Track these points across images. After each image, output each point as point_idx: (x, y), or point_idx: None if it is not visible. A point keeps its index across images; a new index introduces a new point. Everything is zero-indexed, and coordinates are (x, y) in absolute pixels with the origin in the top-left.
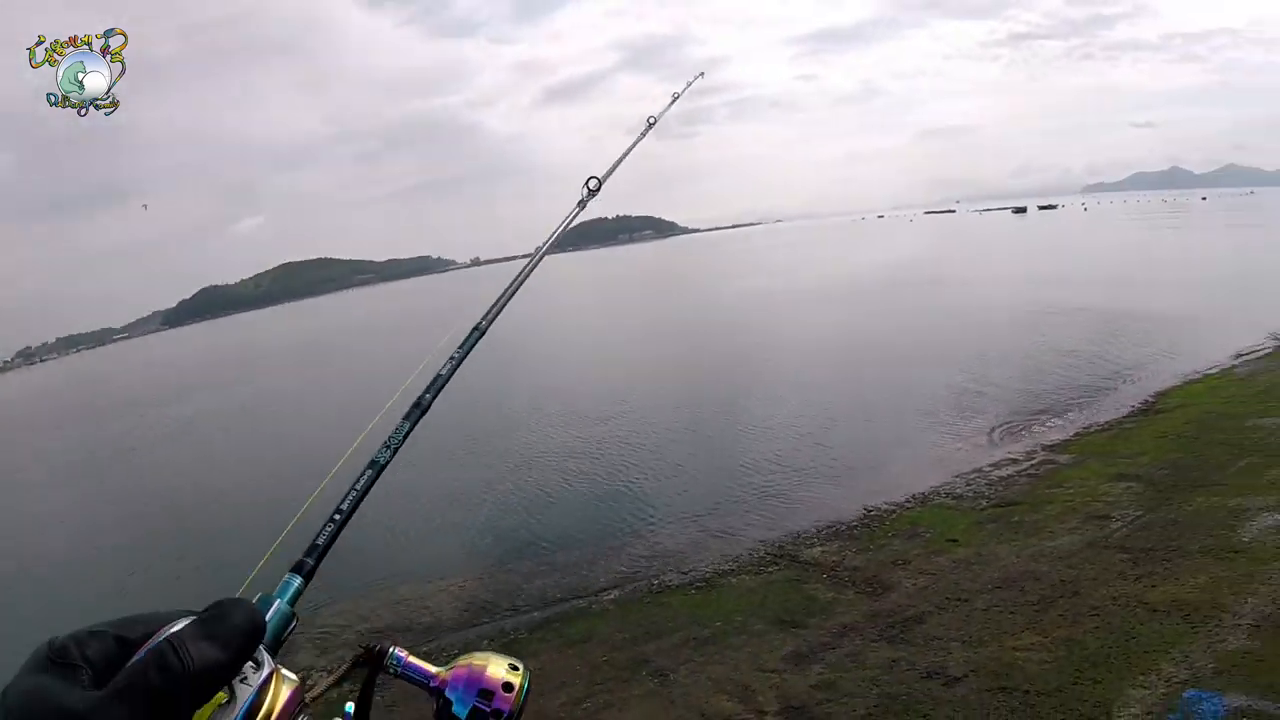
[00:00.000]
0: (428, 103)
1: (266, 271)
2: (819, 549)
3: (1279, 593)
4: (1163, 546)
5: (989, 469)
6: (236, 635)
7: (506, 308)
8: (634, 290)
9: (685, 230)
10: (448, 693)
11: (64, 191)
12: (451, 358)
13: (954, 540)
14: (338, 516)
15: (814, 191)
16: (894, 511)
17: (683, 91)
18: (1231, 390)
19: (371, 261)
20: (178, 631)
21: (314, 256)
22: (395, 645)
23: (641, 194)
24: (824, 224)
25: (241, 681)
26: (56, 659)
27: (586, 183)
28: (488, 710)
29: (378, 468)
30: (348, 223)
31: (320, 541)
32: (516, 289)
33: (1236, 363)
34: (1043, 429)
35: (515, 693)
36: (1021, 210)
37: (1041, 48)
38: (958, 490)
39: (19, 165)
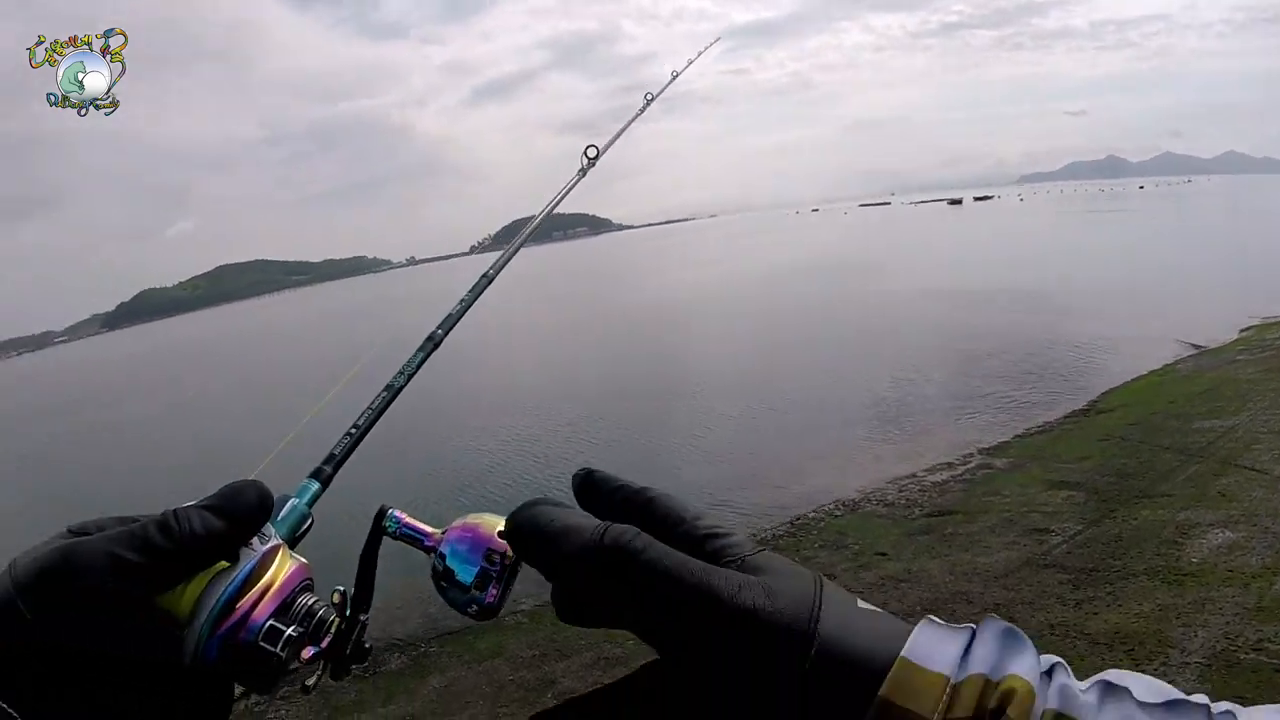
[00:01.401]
0: (358, 104)
1: (204, 274)
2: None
3: (1231, 625)
4: (1105, 567)
5: (922, 474)
6: (240, 508)
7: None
8: (565, 292)
9: (620, 227)
10: (449, 558)
11: None
12: (462, 300)
13: (883, 554)
14: (354, 430)
15: (747, 185)
16: (822, 520)
17: (683, 70)
18: (1176, 389)
19: (308, 262)
20: (184, 506)
21: (250, 259)
22: (393, 507)
23: (576, 191)
24: (757, 218)
25: (247, 550)
26: (73, 529)
27: (585, 151)
28: (494, 571)
29: (394, 390)
30: (283, 225)
31: (337, 452)
32: (522, 245)
33: (1180, 359)
34: (979, 430)
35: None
36: (957, 202)
37: (973, 37)
38: (889, 497)
39: None
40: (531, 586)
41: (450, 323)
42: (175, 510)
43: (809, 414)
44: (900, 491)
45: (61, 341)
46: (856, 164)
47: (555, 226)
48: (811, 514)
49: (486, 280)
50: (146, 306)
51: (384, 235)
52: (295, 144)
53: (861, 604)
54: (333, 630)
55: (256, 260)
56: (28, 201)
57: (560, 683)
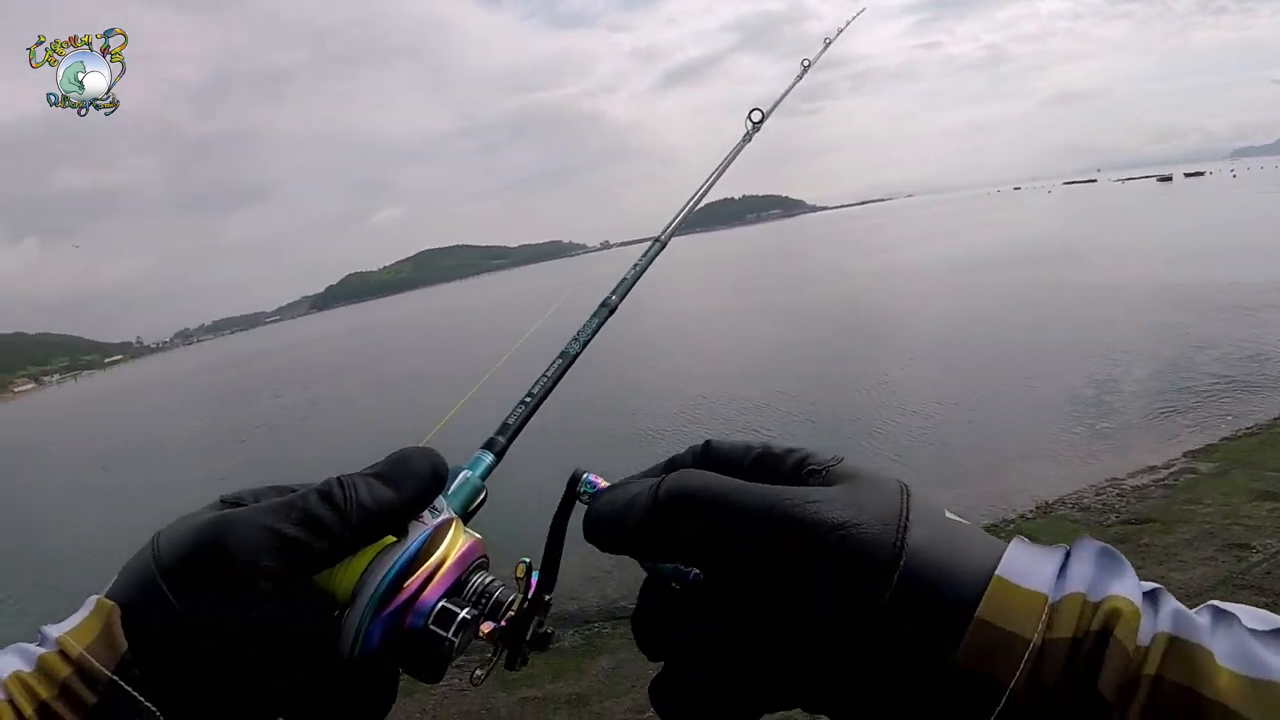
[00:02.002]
0: (551, 93)
1: (408, 258)
2: None
3: None
4: None
5: (1123, 476)
6: (411, 478)
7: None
8: (765, 272)
9: (813, 208)
10: None
11: (207, 191)
12: (635, 265)
13: None
14: (529, 399)
15: (943, 164)
16: (1012, 522)
17: (835, 36)
18: None
19: (505, 247)
20: (351, 473)
21: (450, 244)
22: (588, 471)
23: (767, 172)
24: (957, 197)
25: (417, 524)
26: (226, 499)
27: (750, 115)
28: None
29: (569, 358)
30: (481, 212)
31: (511, 422)
32: (693, 204)
33: None
34: (1186, 430)
35: None
36: (1167, 179)
37: (1174, 1)
38: (1085, 500)
39: (163, 168)
40: None
41: (624, 289)
42: (339, 478)
43: (1006, 409)
44: (1098, 495)
45: (272, 321)
46: (1058, 140)
47: (748, 209)
48: (1003, 515)
49: (660, 245)
50: (353, 289)
51: (578, 220)
52: (491, 134)
53: (949, 515)
54: (513, 611)
55: (457, 245)
56: (238, 194)
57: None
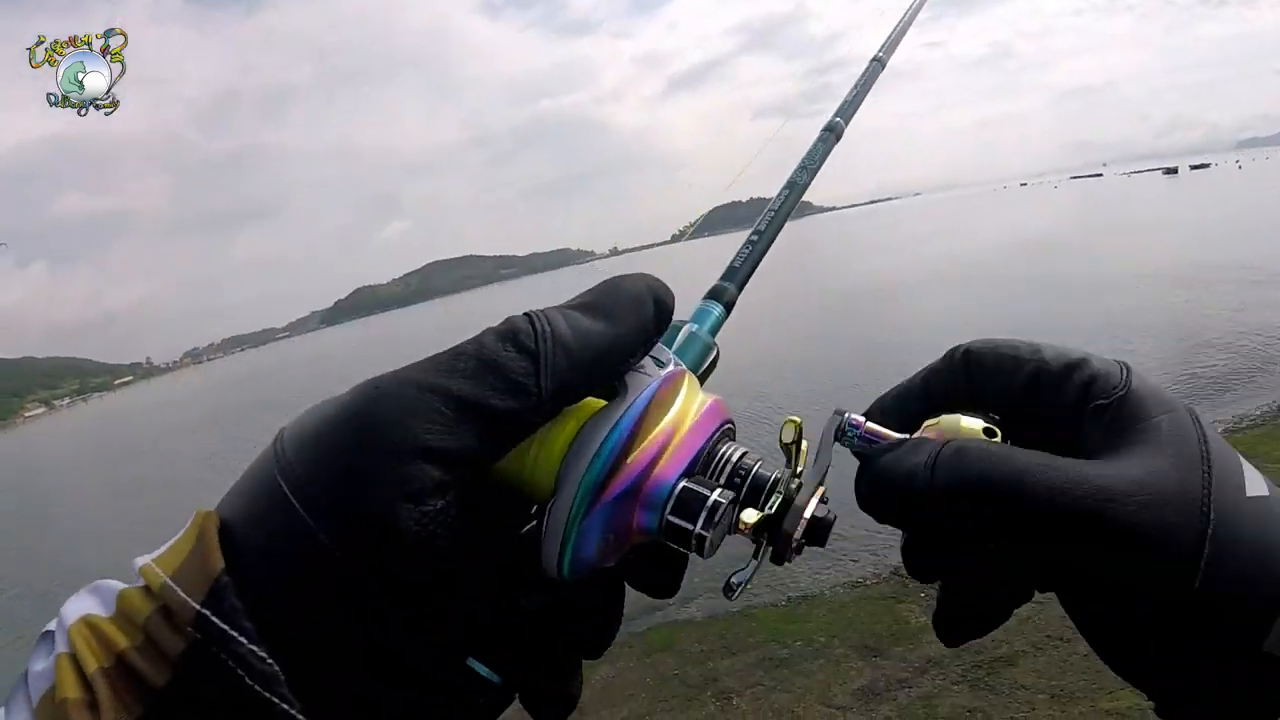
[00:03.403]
0: (557, 101)
1: (415, 271)
2: None
3: None
4: None
5: None
6: (628, 307)
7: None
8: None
9: (821, 209)
10: None
11: (216, 210)
12: (855, 85)
13: None
14: (755, 239)
15: (950, 162)
16: None
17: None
18: None
19: (514, 256)
20: (544, 308)
21: (459, 255)
22: (850, 411)
23: (773, 175)
24: (964, 195)
25: (636, 373)
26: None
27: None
28: None
29: (797, 188)
30: (489, 222)
31: (738, 265)
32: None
33: None
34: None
35: None
36: (1173, 171)
37: None
38: None
39: (170, 188)
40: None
41: (848, 110)
42: (528, 312)
43: None
44: None
45: (283, 337)
46: (1064, 135)
47: (756, 212)
48: None
49: (880, 64)
50: (362, 303)
51: (587, 227)
52: (498, 144)
53: (1252, 480)
54: (780, 492)
55: (465, 256)
56: (247, 212)
57: (721, 681)
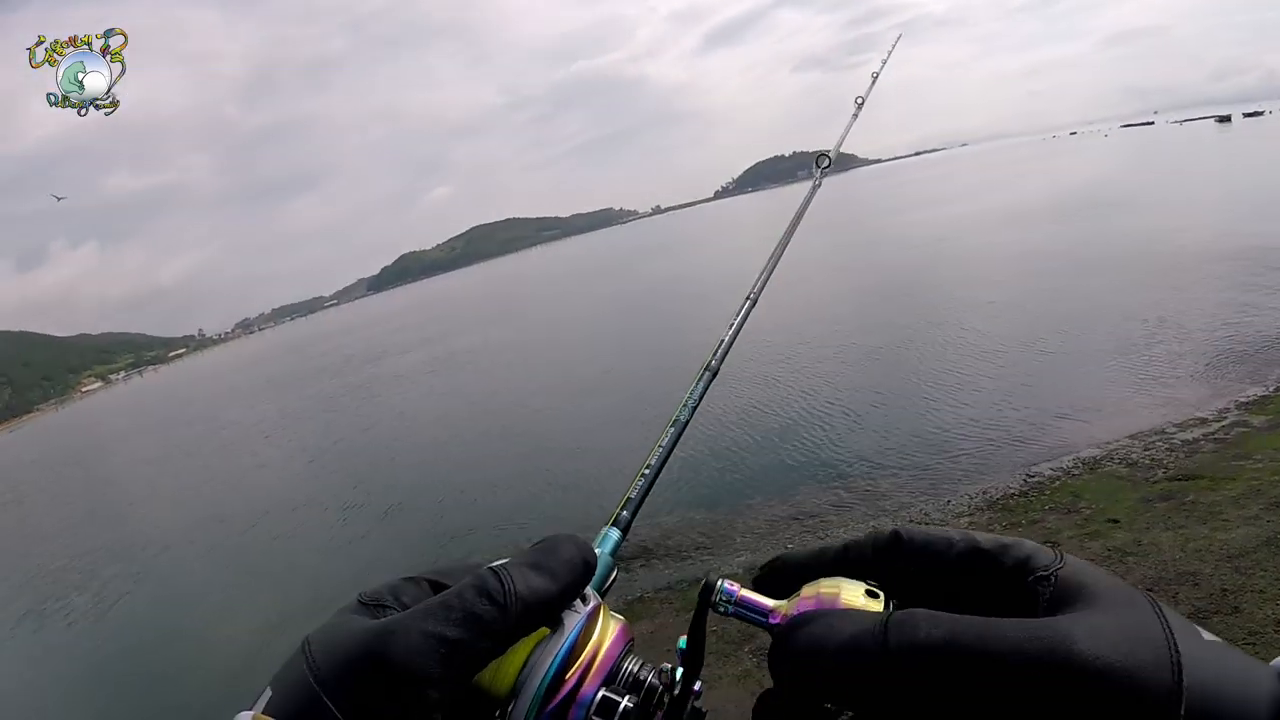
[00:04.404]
0: (594, 61)
1: (460, 235)
2: (966, 520)
3: None
4: None
5: (1172, 430)
6: (566, 567)
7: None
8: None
9: (866, 161)
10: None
11: (261, 182)
12: (731, 325)
13: (1114, 521)
14: (647, 471)
15: (996, 111)
16: (1057, 479)
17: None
18: None
19: (557, 218)
20: (502, 562)
21: (502, 218)
22: (724, 579)
23: (815, 128)
24: (1013, 144)
25: (569, 613)
26: (366, 601)
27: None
28: None
29: (680, 425)
30: (531, 184)
31: (634, 495)
32: (779, 254)
33: None
34: (1240, 381)
35: None
36: (1226, 119)
37: None
38: (1133, 455)
39: (216, 163)
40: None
41: (723, 351)
42: (493, 569)
43: (1051, 363)
44: (1145, 450)
45: (331, 305)
46: (1115, 81)
47: (799, 165)
48: (1049, 472)
49: (751, 302)
50: (408, 269)
51: (629, 186)
52: (537, 106)
53: (1205, 634)
54: (665, 699)
55: (508, 219)
56: (292, 183)
57: (759, 637)
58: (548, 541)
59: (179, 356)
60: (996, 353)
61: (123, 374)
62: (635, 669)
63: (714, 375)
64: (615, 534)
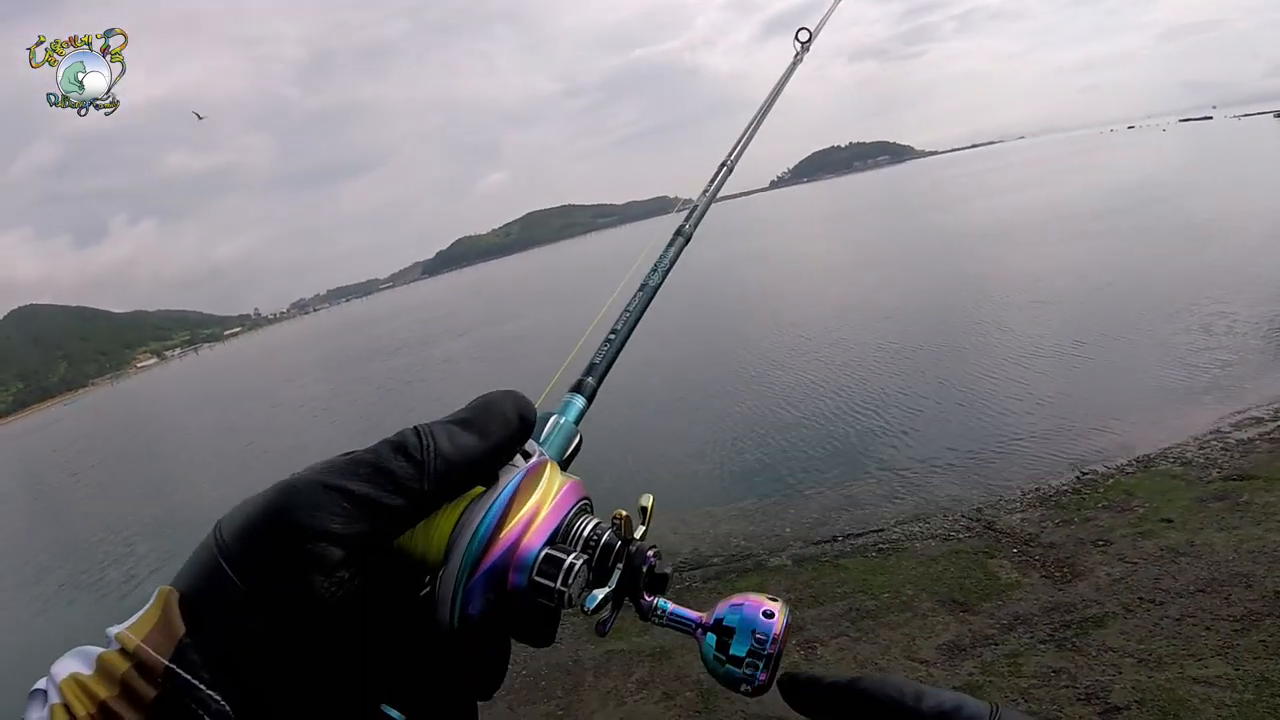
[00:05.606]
0: (650, 50)
1: (515, 220)
2: (1018, 516)
3: None
4: None
5: (1228, 429)
6: (499, 422)
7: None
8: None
9: (921, 154)
10: (721, 635)
11: (319, 164)
12: (704, 191)
13: (1168, 520)
14: (613, 336)
15: (1052, 105)
16: (1110, 476)
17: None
18: None
19: (612, 205)
20: (428, 422)
21: (557, 205)
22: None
23: (872, 119)
24: (1070, 138)
25: (509, 469)
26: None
27: (796, 35)
28: (765, 650)
29: (650, 290)
30: (586, 171)
31: (598, 361)
32: (754, 127)
33: None
34: None
35: (782, 627)
36: None
37: None
38: (1188, 454)
39: (274, 145)
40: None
41: (696, 217)
42: (415, 427)
43: (1106, 358)
44: (1201, 449)
45: (386, 288)
46: (1172, 76)
47: (855, 156)
48: (1101, 469)
49: (726, 169)
50: (463, 253)
51: (684, 174)
52: (592, 94)
53: None
54: (622, 558)
55: (563, 205)
56: (349, 166)
57: (807, 629)
58: (480, 398)
59: (234, 335)
60: (1050, 349)
61: (178, 351)
62: (587, 529)
63: (686, 241)
64: (580, 401)
